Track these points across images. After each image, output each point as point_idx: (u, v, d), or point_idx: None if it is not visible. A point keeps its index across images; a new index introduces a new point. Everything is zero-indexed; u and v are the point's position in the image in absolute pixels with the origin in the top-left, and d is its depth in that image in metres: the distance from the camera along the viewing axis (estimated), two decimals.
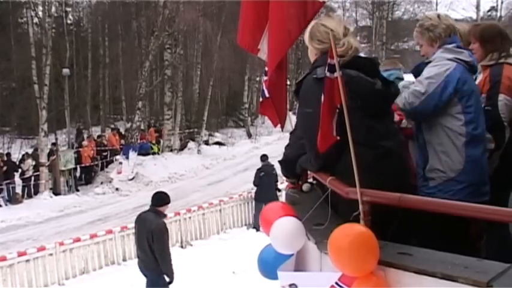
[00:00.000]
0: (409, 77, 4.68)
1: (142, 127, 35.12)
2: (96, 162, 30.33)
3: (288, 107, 4.35)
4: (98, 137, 33.43)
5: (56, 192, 27.36)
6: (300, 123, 3.72)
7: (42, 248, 14.68)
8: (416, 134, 3.91)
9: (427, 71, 3.78)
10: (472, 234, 3.61)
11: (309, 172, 4.22)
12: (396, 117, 4.41)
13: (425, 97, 3.70)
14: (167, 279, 9.43)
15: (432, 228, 3.37)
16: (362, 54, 3.67)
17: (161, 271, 9.40)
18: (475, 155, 3.66)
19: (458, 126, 3.65)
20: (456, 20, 4.24)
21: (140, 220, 9.75)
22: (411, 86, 3.87)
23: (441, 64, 3.73)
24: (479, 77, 4.19)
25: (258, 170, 17.99)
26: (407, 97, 3.78)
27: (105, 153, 31.03)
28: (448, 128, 3.68)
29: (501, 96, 4.06)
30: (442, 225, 3.34)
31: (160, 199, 9.75)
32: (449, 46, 3.80)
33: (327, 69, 3.22)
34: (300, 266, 3.71)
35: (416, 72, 3.95)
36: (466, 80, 3.68)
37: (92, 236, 15.74)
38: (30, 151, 29.57)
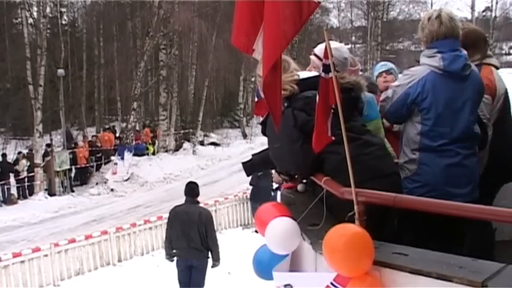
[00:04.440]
0: None
1: (137, 128, 35.10)
2: (91, 164, 30.30)
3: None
4: (92, 137, 33.45)
5: (51, 193, 27.29)
6: (273, 157, 4.00)
7: (37, 249, 14.66)
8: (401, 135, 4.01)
9: (398, 79, 3.93)
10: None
11: None
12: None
13: (389, 105, 3.84)
14: (216, 263, 10.22)
15: (426, 228, 3.38)
16: (304, 74, 3.94)
17: (205, 257, 10.09)
18: (429, 162, 3.67)
19: (414, 134, 3.72)
20: None
21: (180, 213, 10.14)
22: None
23: (408, 74, 3.79)
24: None
25: None
26: (380, 103, 3.97)
27: (98, 155, 31.01)
28: (407, 134, 3.78)
29: None
30: (436, 225, 3.35)
31: (194, 190, 10.30)
32: (427, 52, 3.79)
33: (321, 69, 3.29)
34: (295, 266, 3.71)
35: None
36: (429, 93, 3.65)
37: (87, 237, 15.73)
38: (25, 152, 29.52)
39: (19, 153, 28.83)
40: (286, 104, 3.71)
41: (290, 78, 3.82)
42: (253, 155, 4.60)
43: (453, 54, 3.72)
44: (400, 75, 4.06)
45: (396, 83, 3.87)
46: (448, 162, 3.66)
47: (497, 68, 4.39)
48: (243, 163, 4.59)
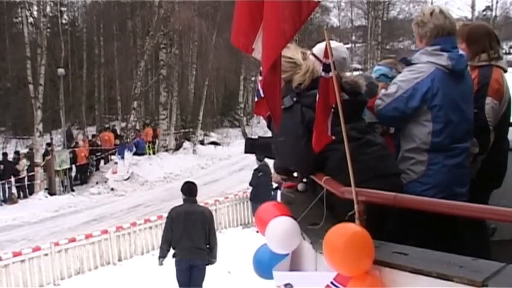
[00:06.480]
0: None
1: (137, 127, 35.11)
2: (91, 163, 30.31)
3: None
4: (93, 136, 33.48)
5: (51, 192, 27.33)
6: (276, 151, 3.96)
7: (37, 248, 14.67)
8: (394, 137, 3.94)
9: (401, 75, 3.75)
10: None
11: None
12: None
13: (390, 100, 3.69)
14: (213, 260, 10.25)
15: (426, 227, 3.37)
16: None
17: (206, 256, 10.12)
18: (439, 162, 3.63)
19: (425, 134, 3.63)
20: None
21: (182, 214, 10.10)
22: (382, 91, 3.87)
23: (415, 70, 3.67)
24: None
25: (256, 170, 17.90)
26: (377, 101, 3.81)
27: (99, 154, 31.02)
28: (415, 135, 3.67)
29: (488, 100, 4.02)
30: (437, 225, 3.35)
31: (194, 189, 10.33)
32: (429, 48, 3.69)
33: (322, 69, 3.28)
34: (295, 265, 3.70)
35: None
36: (439, 90, 3.59)
37: (87, 236, 15.74)
38: (26, 151, 29.54)
39: (16, 152, 28.84)
40: (295, 99, 3.69)
41: (315, 67, 3.78)
42: (259, 137, 4.61)
43: (458, 54, 3.71)
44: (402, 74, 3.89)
45: (400, 77, 3.73)
46: (455, 161, 3.65)
47: (505, 71, 4.26)
48: (247, 138, 4.60)
